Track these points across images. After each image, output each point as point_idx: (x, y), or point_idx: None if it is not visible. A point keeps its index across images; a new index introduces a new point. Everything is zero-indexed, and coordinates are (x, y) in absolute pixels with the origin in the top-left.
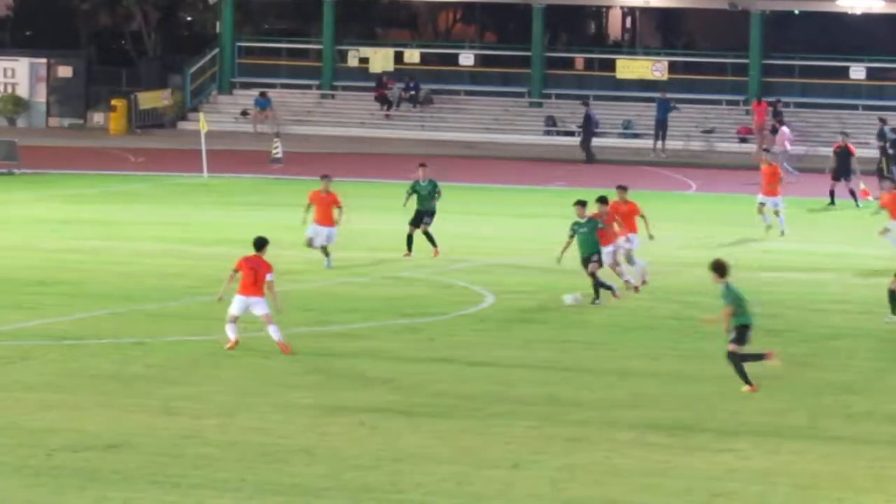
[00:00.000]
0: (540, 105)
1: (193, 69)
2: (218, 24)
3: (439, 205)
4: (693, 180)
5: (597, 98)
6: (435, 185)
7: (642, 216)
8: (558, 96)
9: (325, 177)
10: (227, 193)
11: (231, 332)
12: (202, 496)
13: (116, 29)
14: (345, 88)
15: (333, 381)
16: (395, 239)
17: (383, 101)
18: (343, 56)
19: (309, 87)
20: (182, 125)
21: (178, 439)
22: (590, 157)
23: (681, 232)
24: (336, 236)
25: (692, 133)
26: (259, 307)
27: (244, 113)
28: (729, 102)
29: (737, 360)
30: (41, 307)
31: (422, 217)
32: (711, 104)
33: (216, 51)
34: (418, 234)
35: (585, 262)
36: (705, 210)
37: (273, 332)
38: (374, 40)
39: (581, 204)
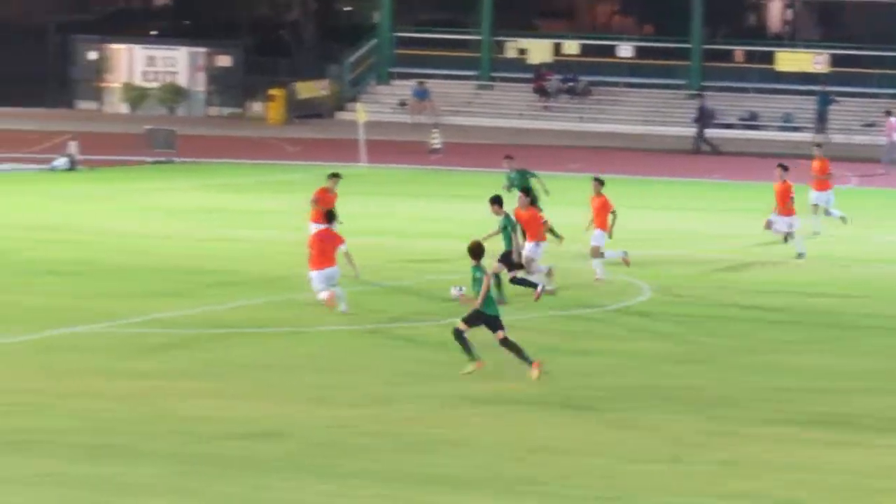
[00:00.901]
0: (699, 97)
1: (351, 59)
2: (376, 14)
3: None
4: (853, 174)
5: (756, 91)
6: (524, 175)
7: (613, 212)
8: (717, 88)
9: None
10: (385, 183)
11: (340, 302)
12: (357, 485)
13: (275, 19)
14: (503, 79)
15: (485, 372)
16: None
17: (541, 92)
18: (501, 47)
19: (467, 77)
20: (339, 115)
21: (332, 428)
22: (706, 149)
23: (840, 229)
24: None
25: (852, 127)
26: (333, 275)
27: (402, 103)
28: (892, 96)
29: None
30: (197, 295)
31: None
32: (871, 98)
33: (374, 41)
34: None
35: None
36: (862, 206)
37: (339, 291)
38: (531, 31)
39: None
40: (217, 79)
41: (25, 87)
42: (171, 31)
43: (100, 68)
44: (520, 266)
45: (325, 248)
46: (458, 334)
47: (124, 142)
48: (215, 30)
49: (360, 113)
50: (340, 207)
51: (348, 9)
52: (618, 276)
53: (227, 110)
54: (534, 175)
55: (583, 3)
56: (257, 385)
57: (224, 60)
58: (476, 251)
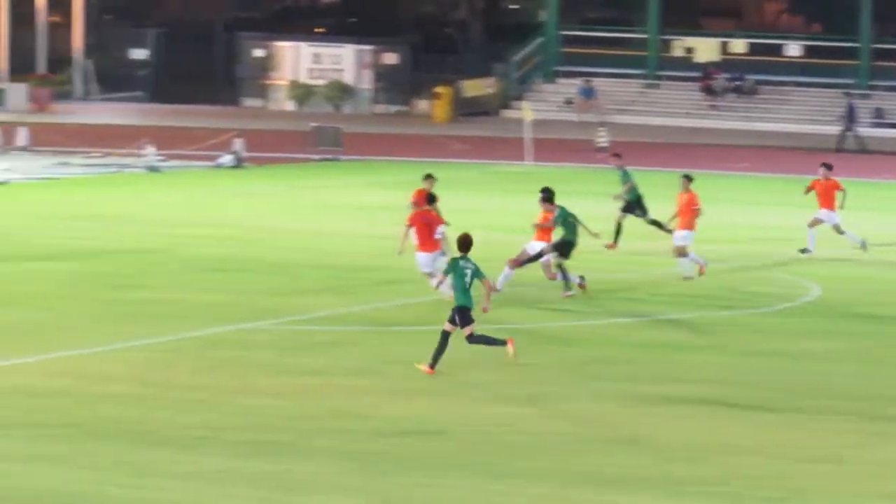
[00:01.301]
0: (867, 97)
1: (517, 57)
2: (542, 12)
3: (753, 196)
4: None
5: None
6: (625, 174)
7: (698, 209)
8: (885, 88)
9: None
10: (550, 182)
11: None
12: (523, 485)
13: (441, 17)
14: (669, 78)
15: (647, 370)
16: (728, 231)
17: (708, 91)
18: (667, 46)
19: (632, 76)
20: (505, 113)
21: (497, 426)
22: (853, 147)
23: None
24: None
25: None
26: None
27: (568, 101)
28: None
29: (475, 340)
30: (361, 292)
31: (632, 208)
32: None
33: (540, 39)
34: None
35: None
36: None
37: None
38: (698, 30)
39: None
40: (383, 76)
41: (193, 85)
42: (338, 28)
43: (266, 66)
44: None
45: (431, 230)
46: (472, 339)
47: (290, 139)
48: (381, 28)
49: (526, 111)
50: (508, 204)
51: (515, 7)
52: (785, 276)
53: (392, 108)
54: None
55: (750, 1)
56: (421, 382)
57: (390, 58)
58: (465, 243)
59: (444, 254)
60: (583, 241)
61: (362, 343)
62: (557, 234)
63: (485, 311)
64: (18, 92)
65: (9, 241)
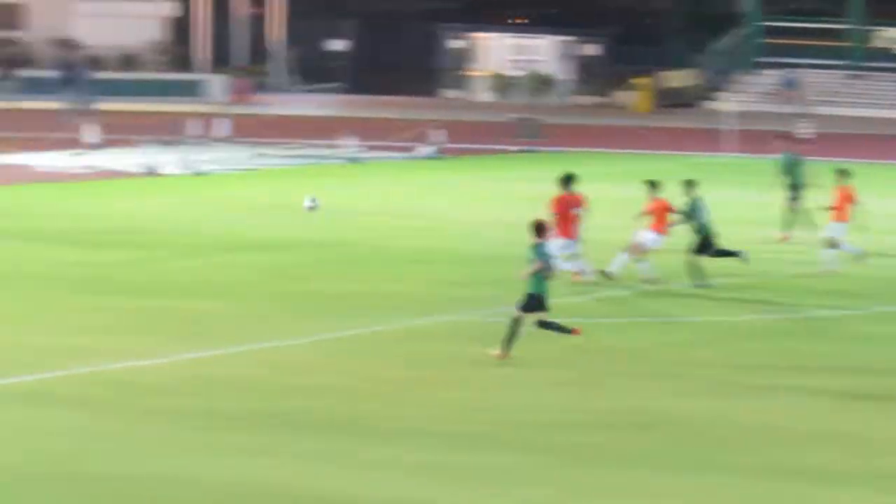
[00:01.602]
0: None
1: (718, 48)
2: (744, 2)
3: None
4: None
5: None
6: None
7: (855, 203)
8: None
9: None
10: (753, 173)
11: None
12: (736, 481)
13: (640, 7)
14: (873, 69)
15: (879, 368)
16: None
17: None
18: (872, 37)
19: (836, 67)
20: (706, 104)
21: (703, 420)
22: None
23: None
24: None
25: None
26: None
27: (770, 92)
28: None
29: (545, 326)
30: (560, 284)
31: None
32: None
33: (742, 30)
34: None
35: None
36: None
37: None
38: None
39: None
40: (583, 67)
41: (391, 76)
42: (537, 19)
43: (465, 57)
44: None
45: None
46: (542, 325)
47: (489, 130)
48: (581, 18)
49: (726, 104)
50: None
51: None
52: None
53: (592, 99)
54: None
55: None
56: (621, 374)
57: (590, 49)
58: (540, 229)
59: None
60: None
61: (561, 335)
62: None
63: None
64: (218, 84)
65: (209, 232)
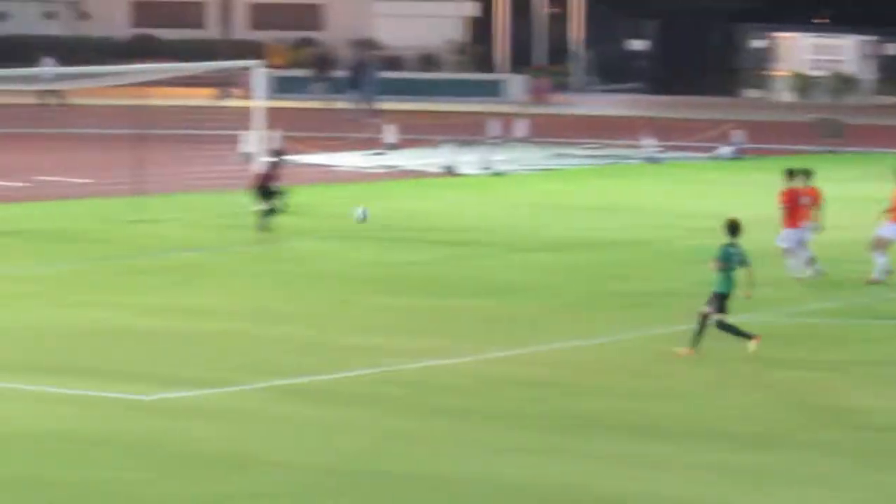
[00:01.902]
0: None
1: None
2: None
3: None
4: None
5: None
6: None
7: None
8: None
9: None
10: None
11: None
12: None
13: None
14: None
15: None
16: None
17: None
18: None
19: None
20: None
21: None
22: None
23: None
24: None
25: None
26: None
27: None
28: None
29: (724, 327)
30: (846, 286)
31: None
32: None
33: None
34: None
35: None
36: None
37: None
38: None
39: None
40: (885, 67)
41: (691, 76)
42: (839, 18)
43: (766, 57)
44: None
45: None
46: (721, 325)
47: (790, 131)
48: (883, 17)
49: None
50: None
51: None
52: None
53: (894, 99)
54: None
55: None
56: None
57: (892, 49)
58: (732, 228)
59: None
60: None
61: (848, 337)
62: None
63: (747, 297)
64: (518, 83)
65: (505, 232)
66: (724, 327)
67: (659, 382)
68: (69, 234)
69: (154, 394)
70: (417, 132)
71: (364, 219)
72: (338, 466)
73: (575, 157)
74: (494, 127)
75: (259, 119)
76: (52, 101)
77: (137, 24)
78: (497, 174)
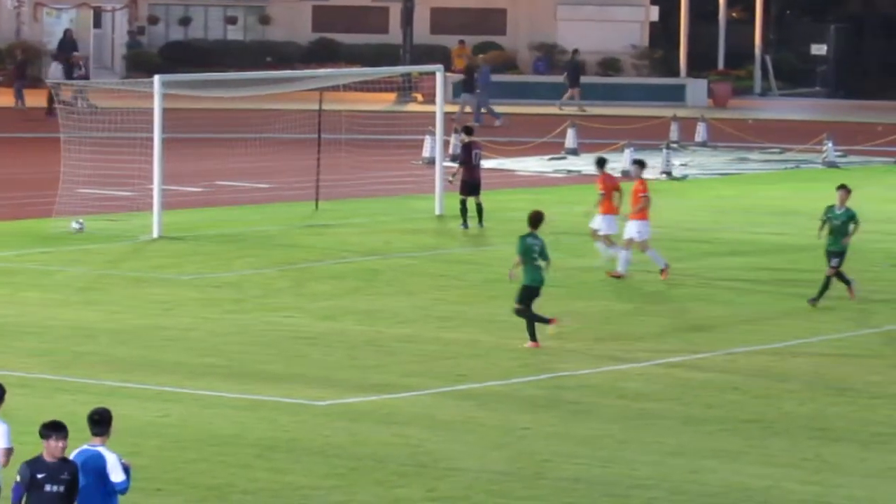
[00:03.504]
0: None
1: None
2: None
3: None
4: None
5: None
6: (852, 217)
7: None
8: None
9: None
10: None
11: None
12: None
13: None
14: None
15: None
16: None
17: None
18: None
19: None
20: None
21: None
22: None
23: None
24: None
25: None
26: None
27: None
28: None
29: (522, 315)
30: None
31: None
32: None
33: None
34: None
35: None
36: None
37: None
38: None
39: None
40: None
41: (875, 80)
42: None
43: None
44: None
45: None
46: (519, 312)
47: None
48: None
49: None
50: None
51: None
52: None
53: None
54: None
55: None
56: None
57: None
58: (534, 219)
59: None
60: None
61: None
62: None
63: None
64: (698, 88)
65: (688, 237)
66: (522, 313)
67: (845, 388)
68: (250, 239)
69: (333, 399)
70: (598, 136)
71: (80, 230)
72: (517, 471)
73: (755, 162)
74: (674, 131)
75: (441, 123)
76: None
77: (319, 29)
78: (677, 178)
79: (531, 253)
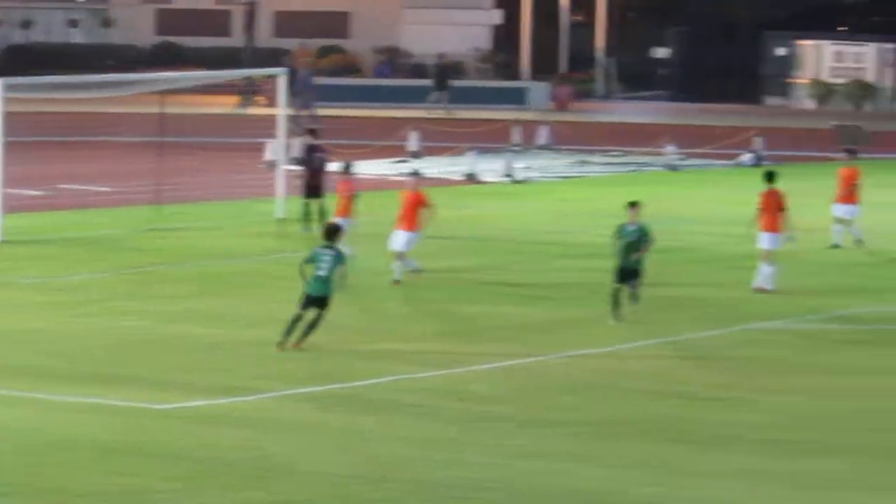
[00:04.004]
0: None
1: None
2: None
3: None
4: None
5: None
6: (645, 233)
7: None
8: None
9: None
10: None
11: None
12: None
13: None
14: None
15: None
16: None
17: None
18: None
19: None
20: None
21: None
22: None
23: None
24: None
25: None
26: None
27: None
28: None
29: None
30: (886, 291)
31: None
32: None
33: None
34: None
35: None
36: None
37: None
38: None
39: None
40: None
41: (714, 83)
42: (862, 27)
43: (789, 64)
44: None
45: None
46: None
47: (810, 138)
48: None
49: None
50: None
51: None
52: None
53: None
54: None
55: None
56: None
57: None
58: (329, 231)
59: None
60: None
61: (886, 343)
62: None
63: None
64: (540, 91)
65: (529, 239)
66: (294, 317)
67: (685, 389)
68: (93, 242)
69: (178, 402)
70: (441, 140)
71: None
72: (362, 474)
73: (596, 165)
74: (517, 134)
75: (283, 127)
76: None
77: (162, 32)
78: (520, 181)
79: (317, 262)
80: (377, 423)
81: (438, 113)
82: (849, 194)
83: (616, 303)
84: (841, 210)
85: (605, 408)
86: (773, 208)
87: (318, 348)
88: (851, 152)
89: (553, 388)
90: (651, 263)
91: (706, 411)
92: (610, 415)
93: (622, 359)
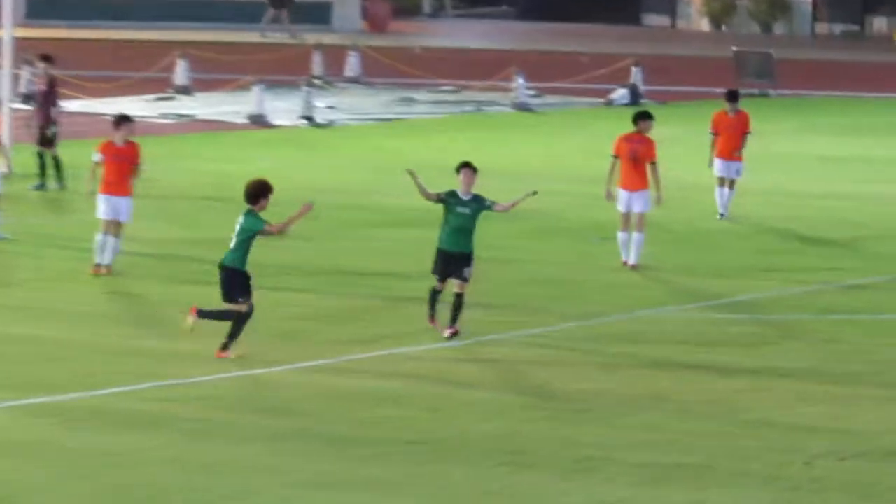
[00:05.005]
0: None
1: None
2: None
3: None
4: None
5: None
6: (483, 207)
7: None
8: None
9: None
10: None
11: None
12: None
13: None
14: None
15: None
16: None
17: None
18: None
19: None
20: None
21: None
22: None
23: None
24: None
25: None
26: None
27: None
28: None
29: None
30: (801, 271)
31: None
32: None
33: None
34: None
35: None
36: None
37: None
38: None
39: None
40: None
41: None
42: None
43: None
44: None
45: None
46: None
47: (704, 68)
48: None
49: None
50: None
51: None
52: None
53: (839, 27)
54: None
55: None
56: (880, 389)
57: None
58: (250, 193)
59: None
60: None
61: (805, 336)
62: None
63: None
64: (349, 6)
65: (331, 202)
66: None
67: (541, 398)
68: None
69: None
70: (216, 71)
71: None
72: None
73: (423, 104)
74: (318, 64)
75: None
76: None
77: None
78: (321, 125)
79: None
80: (136, 442)
81: (278, 38)
82: (734, 146)
83: (436, 300)
84: (723, 167)
85: (436, 421)
86: (640, 160)
87: (62, 344)
88: (733, 97)
89: (368, 395)
90: (495, 234)
91: (572, 427)
92: (443, 431)
93: (463, 358)
